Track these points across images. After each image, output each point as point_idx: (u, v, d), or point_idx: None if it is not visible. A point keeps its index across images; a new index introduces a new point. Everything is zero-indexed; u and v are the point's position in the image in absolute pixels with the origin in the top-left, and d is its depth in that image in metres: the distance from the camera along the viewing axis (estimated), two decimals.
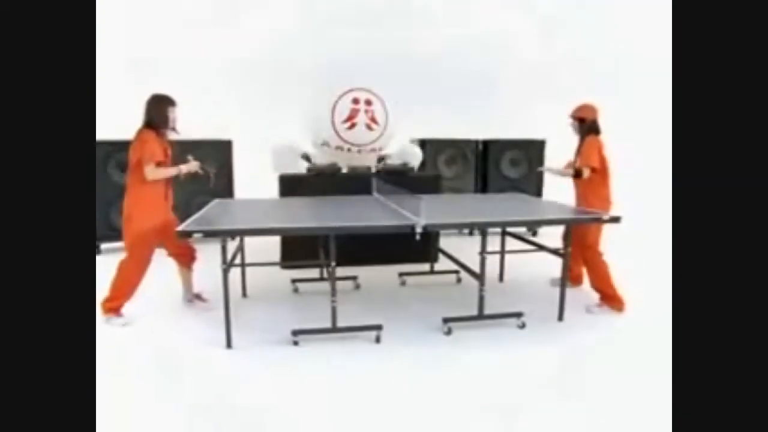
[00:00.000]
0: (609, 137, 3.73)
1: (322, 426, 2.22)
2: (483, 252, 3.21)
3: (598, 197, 3.67)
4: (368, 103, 4.90)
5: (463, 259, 3.74)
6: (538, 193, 6.67)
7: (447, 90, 8.28)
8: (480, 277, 3.24)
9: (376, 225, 2.92)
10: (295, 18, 7.55)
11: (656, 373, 2.71)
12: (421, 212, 2.88)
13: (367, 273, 4.55)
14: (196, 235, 2.74)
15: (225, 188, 6.19)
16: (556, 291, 3.57)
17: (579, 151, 3.72)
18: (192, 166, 3.47)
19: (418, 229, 2.84)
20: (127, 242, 3.33)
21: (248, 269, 4.13)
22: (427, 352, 2.97)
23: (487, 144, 6.63)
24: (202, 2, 7.23)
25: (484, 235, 3.21)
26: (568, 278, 4.14)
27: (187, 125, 5.89)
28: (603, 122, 3.74)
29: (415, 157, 5.39)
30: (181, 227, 2.78)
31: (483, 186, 6.77)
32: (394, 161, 5.26)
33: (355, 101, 4.86)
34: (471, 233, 6.80)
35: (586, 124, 3.67)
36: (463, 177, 6.67)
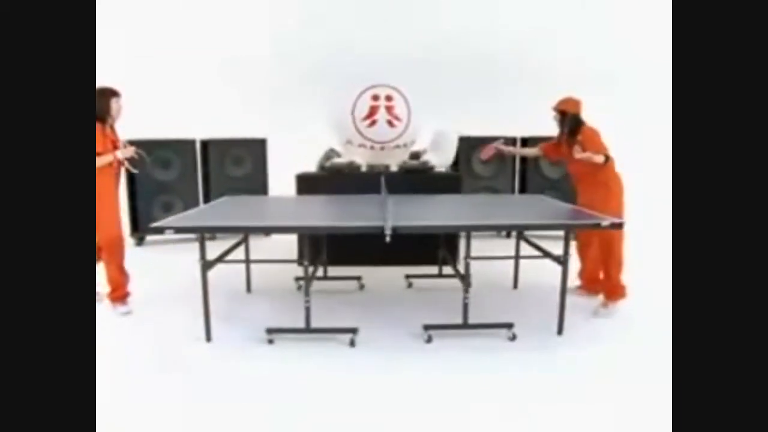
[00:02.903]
0: (609, 137, 3.56)
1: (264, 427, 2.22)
2: (467, 257, 3.03)
3: (616, 182, 3.57)
4: (388, 98, 4.79)
5: (484, 263, 3.57)
6: None
7: (450, 89, 8.02)
8: (465, 281, 3.06)
9: (343, 225, 2.86)
10: (302, 16, 7.59)
11: (656, 384, 2.44)
12: (389, 213, 2.76)
13: (376, 274, 4.49)
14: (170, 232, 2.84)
15: (261, 186, 6.42)
16: (572, 300, 3.35)
17: (575, 143, 3.55)
18: (127, 151, 3.54)
19: (387, 231, 2.73)
20: (101, 240, 3.43)
21: (264, 265, 4.28)
22: (401, 357, 2.87)
23: (525, 141, 6.24)
24: (203, 2, 7.45)
25: (468, 239, 3.03)
26: (582, 286, 3.96)
27: (191, 125, 6.20)
28: (603, 122, 3.63)
29: (450, 147, 5.21)
30: (158, 223, 2.88)
31: (522, 186, 6.41)
32: (428, 156, 5.14)
33: (375, 98, 4.79)
34: (508, 235, 6.47)
35: (568, 117, 3.58)
36: (500, 176, 6.36)
